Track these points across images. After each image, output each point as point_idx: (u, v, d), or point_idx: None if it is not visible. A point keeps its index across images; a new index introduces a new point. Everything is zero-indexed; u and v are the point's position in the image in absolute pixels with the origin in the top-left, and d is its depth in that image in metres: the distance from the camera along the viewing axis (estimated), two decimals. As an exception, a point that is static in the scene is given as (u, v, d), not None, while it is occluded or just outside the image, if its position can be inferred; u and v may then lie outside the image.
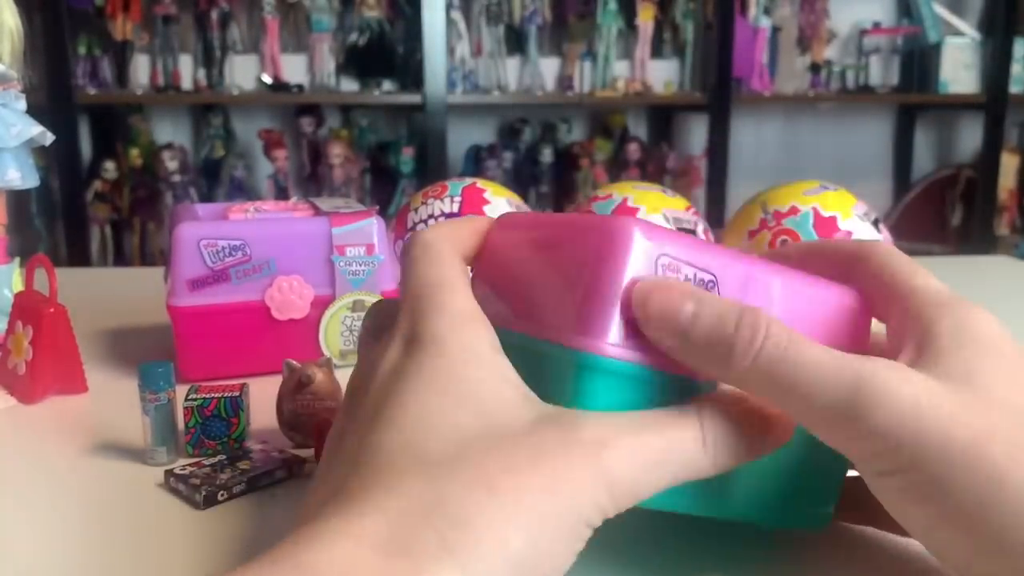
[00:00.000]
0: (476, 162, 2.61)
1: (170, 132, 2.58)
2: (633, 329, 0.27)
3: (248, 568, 0.22)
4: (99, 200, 2.43)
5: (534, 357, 0.28)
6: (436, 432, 0.24)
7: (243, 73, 2.49)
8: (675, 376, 0.28)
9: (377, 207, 0.62)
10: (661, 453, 0.25)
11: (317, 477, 0.28)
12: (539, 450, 0.24)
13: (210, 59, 2.45)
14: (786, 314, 0.29)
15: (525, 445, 0.24)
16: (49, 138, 0.60)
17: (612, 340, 0.27)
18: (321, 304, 0.58)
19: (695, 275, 0.28)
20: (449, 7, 2.37)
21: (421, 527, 0.22)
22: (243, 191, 2.51)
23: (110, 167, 2.44)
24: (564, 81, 2.63)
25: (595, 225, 0.29)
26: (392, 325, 0.29)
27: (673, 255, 0.28)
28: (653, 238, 0.27)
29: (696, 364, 0.27)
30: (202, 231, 0.56)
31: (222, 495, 0.40)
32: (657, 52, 2.67)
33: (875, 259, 0.32)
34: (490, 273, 0.33)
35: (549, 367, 0.28)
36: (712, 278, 0.28)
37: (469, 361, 0.26)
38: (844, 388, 0.25)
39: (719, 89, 2.48)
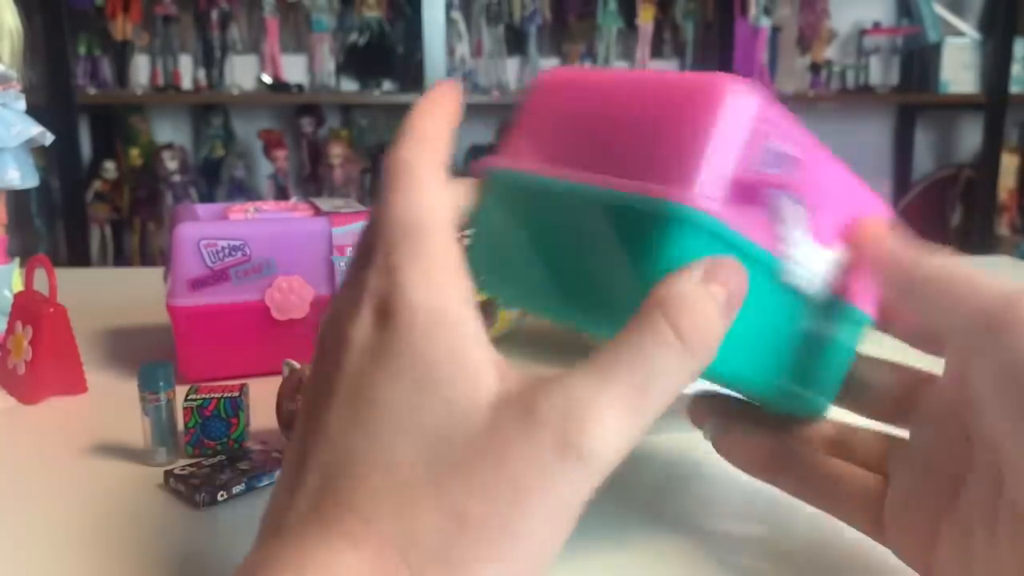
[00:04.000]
0: (476, 162, 2.61)
1: (170, 132, 2.58)
2: (732, 193, 0.26)
3: None
4: (99, 200, 2.43)
5: (597, 216, 0.26)
6: (403, 437, 0.23)
7: (243, 73, 2.49)
8: (779, 259, 0.28)
9: (377, 207, 0.62)
10: (637, 387, 0.23)
11: (291, 465, 0.26)
12: (502, 453, 0.23)
13: (210, 59, 2.45)
14: (843, 209, 0.29)
15: (488, 450, 0.23)
16: (49, 138, 0.60)
17: (709, 193, 0.25)
18: (321, 304, 0.58)
19: (781, 148, 0.27)
20: (449, 7, 2.37)
21: (398, 566, 0.22)
22: (243, 191, 2.51)
23: (110, 167, 2.44)
24: (564, 81, 2.63)
25: (690, 79, 0.27)
26: (365, 271, 0.26)
27: (772, 120, 0.26)
28: (755, 96, 0.26)
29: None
30: (202, 231, 0.56)
31: (222, 495, 0.40)
32: (657, 52, 2.67)
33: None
34: (540, 126, 0.30)
35: (622, 226, 0.26)
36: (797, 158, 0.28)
37: (437, 329, 0.24)
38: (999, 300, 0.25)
39: (719, 89, 2.47)
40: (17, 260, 0.64)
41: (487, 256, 0.30)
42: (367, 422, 0.24)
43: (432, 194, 0.26)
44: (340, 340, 0.25)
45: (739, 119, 0.25)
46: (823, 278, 0.29)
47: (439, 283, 0.25)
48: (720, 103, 0.25)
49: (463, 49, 2.52)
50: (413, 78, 2.42)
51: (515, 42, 2.59)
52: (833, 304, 0.30)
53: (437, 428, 0.23)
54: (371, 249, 0.26)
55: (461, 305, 0.25)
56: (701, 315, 0.24)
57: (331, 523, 0.23)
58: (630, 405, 0.23)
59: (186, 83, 2.46)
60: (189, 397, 0.45)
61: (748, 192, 0.26)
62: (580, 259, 0.27)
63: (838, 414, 0.33)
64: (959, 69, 2.65)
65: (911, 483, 0.30)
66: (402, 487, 0.23)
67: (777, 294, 0.28)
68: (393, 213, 0.26)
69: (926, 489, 0.29)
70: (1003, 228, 2.84)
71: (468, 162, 2.60)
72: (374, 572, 0.22)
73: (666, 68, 2.67)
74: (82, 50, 2.37)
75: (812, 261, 0.29)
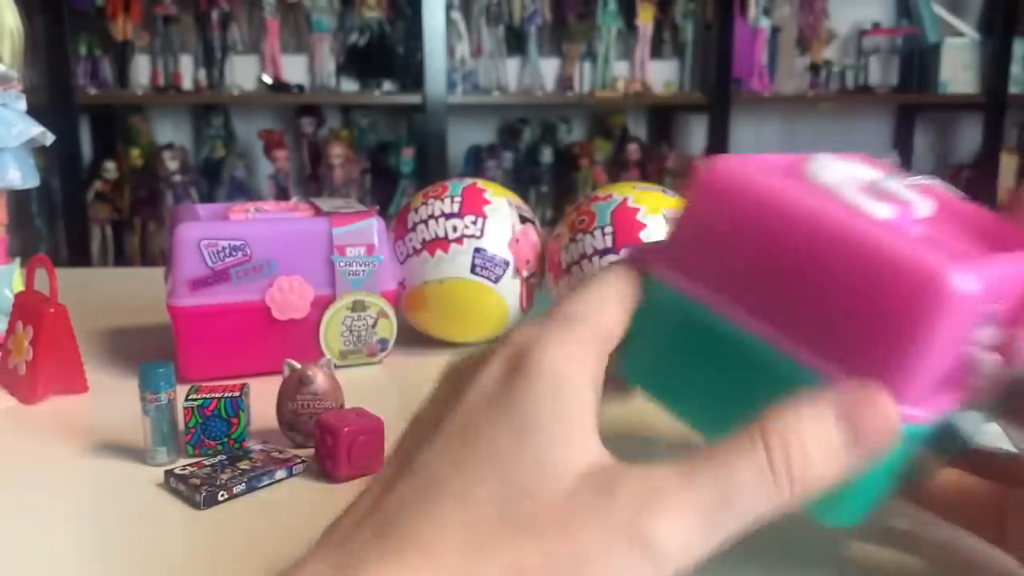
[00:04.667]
0: (476, 162, 2.61)
1: (170, 132, 2.58)
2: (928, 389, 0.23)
3: None
4: (99, 200, 2.43)
5: (760, 365, 0.25)
6: (489, 477, 0.24)
7: (243, 73, 2.49)
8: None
9: (377, 207, 0.62)
10: (717, 500, 0.22)
11: (369, 495, 0.25)
12: (575, 523, 0.23)
13: (210, 59, 2.45)
14: None
15: (563, 516, 0.23)
16: (49, 138, 0.61)
17: (907, 406, 0.23)
18: (321, 304, 0.58)
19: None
20: (449, 7, 2.36)
21: None
22: (243, 191, 2.51)
23: (110, 167, 2.44)
24: (564, 81, 2.63)
25: (901, 257, 0.23)
26: (512, 333, 0.27)
27: (990, 294, 0.22)
28: (977, 282, 0.22)
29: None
30: (203, 231, 0.56)
31: (222, 495, 0.40)
32: (657, 52, 2.67)
33: None
34: (704, 237, 0.28)
35: (783, 385, 0.24)
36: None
37: (557, 392, 0.25)
38: None
39: (719, 89, 2.48)
40: (18, 260, 0.64)
41: (637, 350, 0.29)
42: (460, 455, 0.24)
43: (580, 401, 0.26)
44: (463, 381, 0.26)
45: (959, 319, 0.22)
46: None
47: (574, 355, 0.25)
48: (940, 305, 0.22)
49: (463, 49, 2.52)
50: (413, 78, 2.42)
51: (515, 42, 2.59)
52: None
53: (523, 480, 0.23)
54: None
55: (585, 381, 0.25)
56: (799, 451, 0.23)
57: (392, 552, 0.23)
58: (706, 512, 0.22)
59: (186, 83, 2.46)
60: (190, 397, 0.45)
61: (953, 376, 0.24)
62: (726, 384, 0.26)
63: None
64: (959, 69, 2.65)
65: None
66: (473, 525, 0.23)
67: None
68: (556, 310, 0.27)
69: None
70: (1003, 228, 2.84)
71: (468, 162, 2.60)
72: None
73: (666, 68, 2.68)
74: (83, 50, 2.37)
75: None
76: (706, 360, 0.27)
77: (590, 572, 0.22)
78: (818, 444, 0.23)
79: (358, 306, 0.59)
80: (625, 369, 0.29)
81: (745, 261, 0.26)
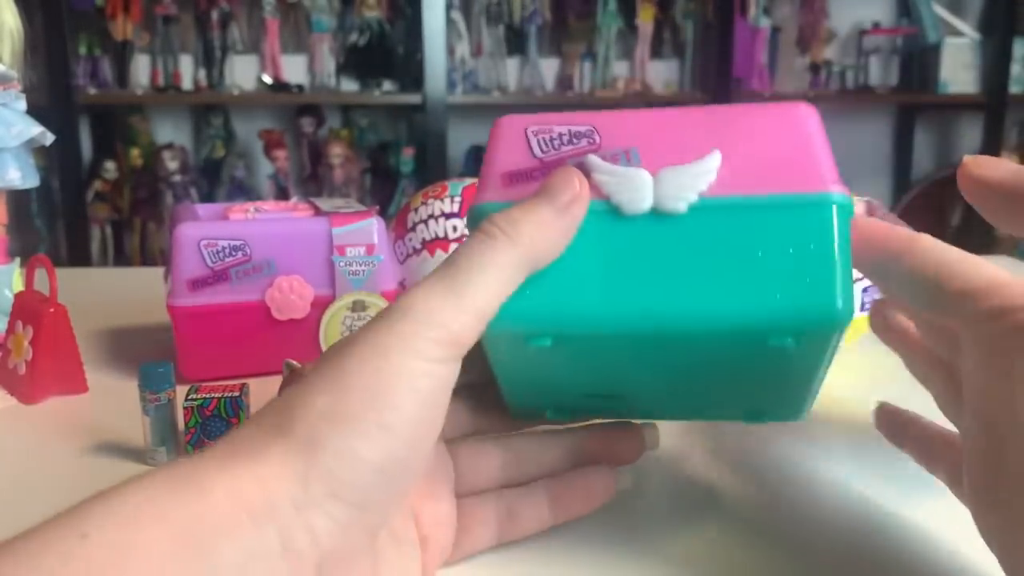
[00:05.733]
0: (476, 162, 2.61)
1: (170, 132, 2.58)
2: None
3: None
4: (99, 200, 2.43)
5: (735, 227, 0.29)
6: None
7: (243, 73, 2.49)
8: None
9: (377, 207, 0.62)
10: (449, 264, 0.29)
11: None
12: (360, 334, 0.28)
13: (210, 59, 2.45)
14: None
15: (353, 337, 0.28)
16: (49, 138, 0.60)
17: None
18: (321, 304, 0.58)
19: (568, 130, 0.31)
20: (449, 7, 2.37)
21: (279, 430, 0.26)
22: (243, 191, 2.51)
23: (110, 167, 2.44)
24: (564, 81, 2.63)
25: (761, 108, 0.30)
26: None
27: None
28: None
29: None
30: (202, 231, 0.56)
31: (222, 495, 0.40)
32: (657, 52, 2.67)
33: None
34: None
35: (771, 228, 0.28)
36: (588, 127, 0.31)
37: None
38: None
39: (719, 89, 2.48)
40: (18, 260, 0.64)
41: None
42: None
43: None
44: None
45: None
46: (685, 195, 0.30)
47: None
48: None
49: (463, 49, 2.52)
50: (413, 78, 2.42)
51: (515, 42, 2.59)
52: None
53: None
54: None
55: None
56: (508, 212, 0.29)
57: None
58: (443, 273, 0.28)
59: (186, 83, 2.46)
60: (189, 397, 0.45)
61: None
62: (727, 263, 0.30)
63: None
64: (959, 69, 2.65)
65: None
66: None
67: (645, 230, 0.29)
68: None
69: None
70: (1003, 228, 2.84)
71: (468, 162, 2.60)
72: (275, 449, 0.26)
73: (666, 68, 2.68)
74: (82, 50, 2.37)
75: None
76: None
77: (374, 349, 0.27)
78: (520, 209, 0.29)
79: (358, 306, 0.59)
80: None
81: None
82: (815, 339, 0.28)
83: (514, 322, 0.29)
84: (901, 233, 0.29)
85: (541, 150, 0.31)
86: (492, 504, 0.34)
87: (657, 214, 0.29)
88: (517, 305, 0.29)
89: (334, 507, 0.25)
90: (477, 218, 0.30)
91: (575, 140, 0.31)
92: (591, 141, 0.31)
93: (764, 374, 0.31)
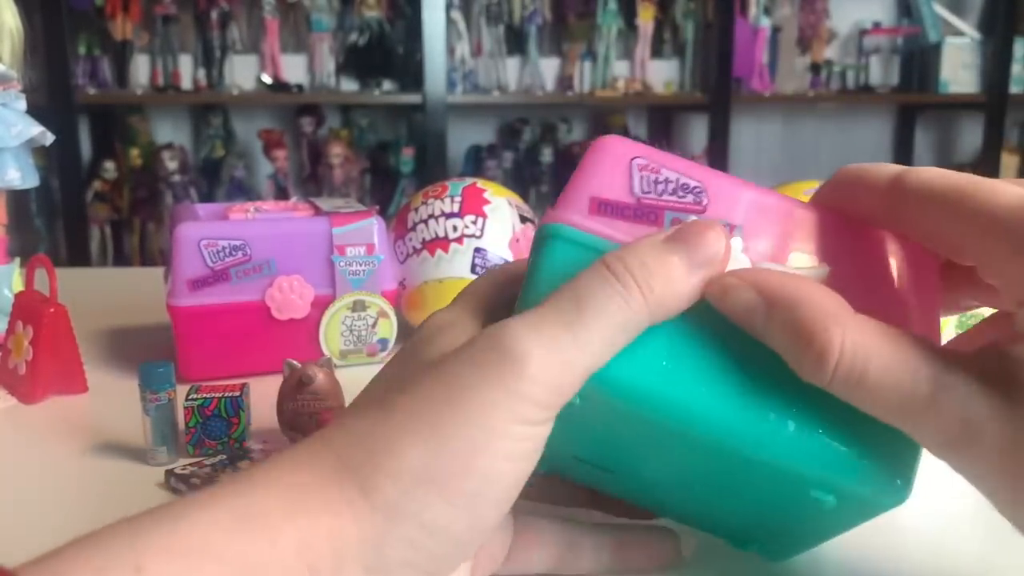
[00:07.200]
0: (476, 162, 2.61)
1: (170, 132, 2.58)
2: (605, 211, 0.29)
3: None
4: (99, 200, 2.43)
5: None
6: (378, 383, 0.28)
7: (243, 73, 2.48)
8: None
9: (377, 207, 0.62)
10: (571, 307, 0.25)
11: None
12: (442, 367, 0.25)
13: (210, 59, 2.44)
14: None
15: (430, 366, 0.26)
16: (49, 138, 0.60)
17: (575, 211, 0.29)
18: (321, 304, 0.58)
19: (677, 179, 0.28)
20: (449, 7, 2.36)
21: (336, 459, 0.24)
22: (243, 191, 2.51)
23: (110, 167, 2.44)
24: (564, 81, 2.63)
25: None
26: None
27: (648, 157, 0.29)
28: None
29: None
30: (202, 231, 0.56)
31: (222, 495, 0.40)
32: (657, 52, 2.67)
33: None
34: None
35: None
36: (698, 185, 0.28)
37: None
38: (920, 400, 0.24)
39: (719, 89, 2.48)
40: (17, 260, 0.64)
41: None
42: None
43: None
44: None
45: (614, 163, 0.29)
46: None
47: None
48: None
49: (463, 49, 2.52)
50: (413, 78, 2.42)
51: (515, 42, 2.59)
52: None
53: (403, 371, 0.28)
54: None
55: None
56: (637, 262, 0.25)
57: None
58: (564, 321, 0.24)
59: (186, 83, 2.46)
60: (190, 397, 0.45)
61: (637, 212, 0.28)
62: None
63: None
64: (959, 69, 2.65)
65: None
66: (358, 410, 0.26)
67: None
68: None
69: None
70: (1003, 228, 2.84)
71: (468, 162, 2.60)
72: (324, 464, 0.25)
73: (666, 68, 2.68)
74: (82, 50, 2.37)
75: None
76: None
77: (461, 392, 0.24)
78: (653, 255, 0.25)
79: (358, 306, 0.59)
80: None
81: None
82: (863, 510, 0.26)
83: (606, 388, 0.26)
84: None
85: (642, 189, 0.28)
86: (557, 529, 0.32)
87: None
88: (617, 371, 0.25)
89: (404, 573, 0.24)
90: (553, 237, 0.28)
91: (681, 193, 0.28)
92: (697, 201, 0.28)
93: (781, 513, 0.29)
